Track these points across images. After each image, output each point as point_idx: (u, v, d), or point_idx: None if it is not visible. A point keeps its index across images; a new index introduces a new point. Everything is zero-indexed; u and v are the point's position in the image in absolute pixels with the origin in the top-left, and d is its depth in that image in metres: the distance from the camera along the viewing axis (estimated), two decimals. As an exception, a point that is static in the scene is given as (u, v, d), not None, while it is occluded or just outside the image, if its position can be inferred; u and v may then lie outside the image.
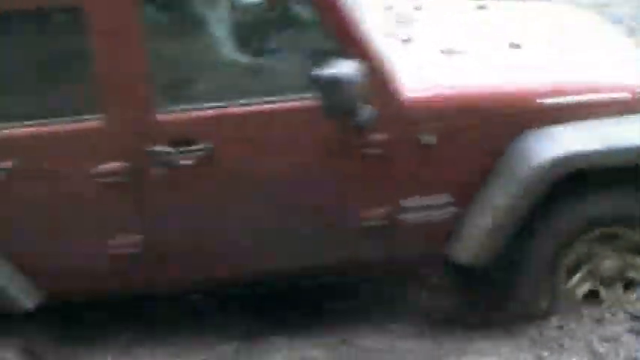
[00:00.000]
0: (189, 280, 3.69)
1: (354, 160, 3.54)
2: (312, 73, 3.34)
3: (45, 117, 3.48)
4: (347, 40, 3.43)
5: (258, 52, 3.57)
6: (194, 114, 3.48)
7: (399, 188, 3.59)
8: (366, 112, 3.42)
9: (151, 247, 3.57)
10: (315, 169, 3.55)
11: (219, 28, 3.57)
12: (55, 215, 3.56)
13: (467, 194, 3.60)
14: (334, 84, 3.29)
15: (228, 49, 3.56)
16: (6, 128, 3.48)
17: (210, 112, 3.48)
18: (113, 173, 3.49)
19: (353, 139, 3.51)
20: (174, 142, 3.48)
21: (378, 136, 3.52)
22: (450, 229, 3.64)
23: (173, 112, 3.47)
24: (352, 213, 3.60)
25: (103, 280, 3.65)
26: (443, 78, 3.64)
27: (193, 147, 3.48)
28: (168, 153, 3.48)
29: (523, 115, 3.57)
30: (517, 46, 3.87)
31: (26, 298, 3.61)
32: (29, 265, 3.58)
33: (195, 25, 3.58)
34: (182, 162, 3.48)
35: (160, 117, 3.46)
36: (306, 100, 3.47)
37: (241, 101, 3.49)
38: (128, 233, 3.57)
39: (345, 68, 3.31)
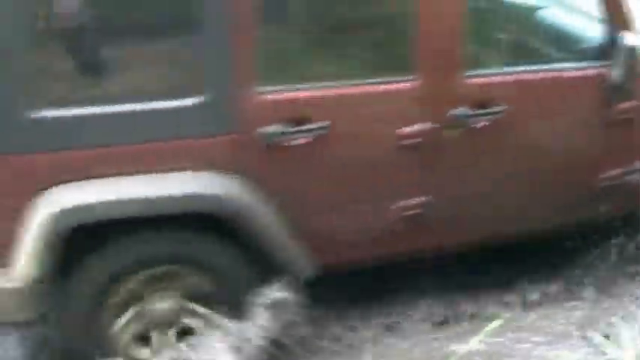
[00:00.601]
0: (467, 242, 3.77)
1: (607, 125, 3.86)
2: (608, 43, 3.62)
3: (360, 77, 3.40)
4: (619, 15, 3.73)
5: (544, 24, 3.75)
6: (495, 79, 3.58)
7: (637, 150, 3.98)
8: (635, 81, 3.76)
9: (438, 208, 3.61)
10: (578, 133, 3.81)
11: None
12: (351, 178, 3.46)
13: None
14: (630, 53, 3.60)
15: (524, 20, 3.70)
16: (325, 88, 3.35)
17: (509, 77, 3.61)
18: (415, 135, 3.48)
19: (611, 106, 3.82)
20: (475, 105, 3.55)
21: (628, 104, 3.86)
22: None
23: (478, 76, 3.54)
24: (595, 174, 3.92)
25: (381, 246, 3.62)
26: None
27: (490, 109, 3.57)
28: (468, 115, 3.54)
29: None
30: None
31: (304, 270, 3.47)
32: (310, 232, 3.44)
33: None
34: (478, 124, 3.57)
35: (467, 80, 3.52)
36: (581, 70, 3.73)
37: (532, 68, 3.66)
38: (416, 195, 3.58)
39: (635, 40, 3.63)
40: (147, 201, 3.13)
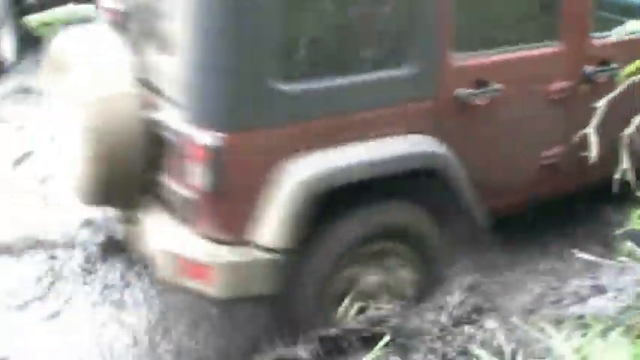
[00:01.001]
0: (590, 183, 4.30)
1: None
2: None
3: (521, 44, 3.92)
4: None
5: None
6: (610, 41, 4.17)
7: None
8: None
9: (570, 156, 4.13)
10: None
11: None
12: (513, 132, 3.96)
13: None
14: None
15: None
16: (497, 54, 3.84)
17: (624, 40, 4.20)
18: (561, 91, 4.01)
19: None
20: (597, 63, 4.12)
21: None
22: None
23: (600, 38, 4.12)
24: None
25: (527, 191, 4.14)
26: None
27: (608, 67, 4.15)
28: (595, 72, 4.10)
29: None
30: None
31: (482, 219, 3.88)
32: (481, 183, 3.87)
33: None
34: (600, 80, 4.14)
35: (594, 42, 4.09)
36: None
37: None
38: (556, 145, 4.11)
39: None
40: (387, 161, 3.49)
